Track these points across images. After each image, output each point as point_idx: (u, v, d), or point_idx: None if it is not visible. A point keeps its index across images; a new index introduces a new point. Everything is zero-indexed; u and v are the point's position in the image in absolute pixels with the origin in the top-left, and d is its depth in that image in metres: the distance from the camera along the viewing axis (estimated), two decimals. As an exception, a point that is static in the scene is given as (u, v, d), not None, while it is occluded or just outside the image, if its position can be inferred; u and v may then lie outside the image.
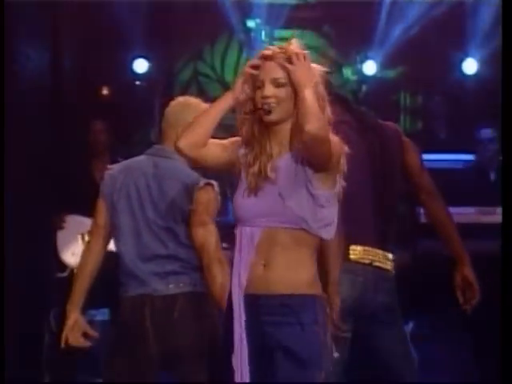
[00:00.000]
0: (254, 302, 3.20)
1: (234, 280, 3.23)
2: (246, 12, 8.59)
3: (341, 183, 3.20)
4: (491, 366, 5.82)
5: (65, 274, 6.40)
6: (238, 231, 3.24)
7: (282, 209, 3.16)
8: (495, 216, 6.45)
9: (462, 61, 8.44)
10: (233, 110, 3.33)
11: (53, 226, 6.49)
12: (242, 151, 3.23)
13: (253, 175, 3.19)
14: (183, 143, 3.18)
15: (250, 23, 8.62)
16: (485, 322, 5.37)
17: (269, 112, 3.09)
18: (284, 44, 3.20)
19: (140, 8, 8.04)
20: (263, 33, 8.65)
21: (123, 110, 8.23)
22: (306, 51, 3.17)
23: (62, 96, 7.08)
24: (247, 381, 3.20)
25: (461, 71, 8.54)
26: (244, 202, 3.21)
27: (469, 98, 8.64)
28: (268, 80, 3.09)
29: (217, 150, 3.26)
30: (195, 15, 8.45)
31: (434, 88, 9.09)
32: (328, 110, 3.20)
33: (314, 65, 3.16)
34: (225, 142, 3.31)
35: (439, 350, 6.58)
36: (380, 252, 4.20)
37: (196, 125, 3.21)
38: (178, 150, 3.21)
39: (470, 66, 8.41)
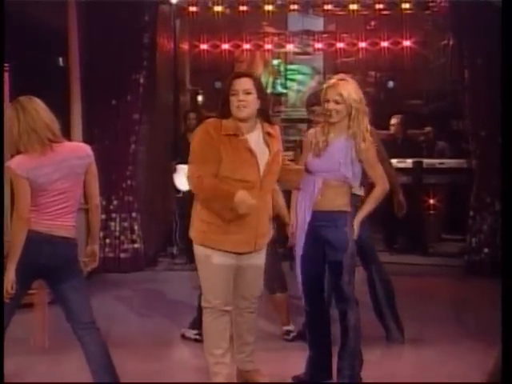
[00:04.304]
0: (314, 214, 4.16)
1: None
2: (273, 56, 11.63)
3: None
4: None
5: (180, 195, 8.10)
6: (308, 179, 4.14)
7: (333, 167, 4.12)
8: (405, 163, 8.58)
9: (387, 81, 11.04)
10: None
11: (172, 170, 7.99)
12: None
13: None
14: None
15: (275, 61, 11.77)
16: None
17: (330, 117, 4.16)
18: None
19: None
20: (281, 66, 11.75)
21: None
22: None
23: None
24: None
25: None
26: (312, 163, 4.17)
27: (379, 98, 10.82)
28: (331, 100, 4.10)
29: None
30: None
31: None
32: None
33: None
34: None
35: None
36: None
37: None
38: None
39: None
